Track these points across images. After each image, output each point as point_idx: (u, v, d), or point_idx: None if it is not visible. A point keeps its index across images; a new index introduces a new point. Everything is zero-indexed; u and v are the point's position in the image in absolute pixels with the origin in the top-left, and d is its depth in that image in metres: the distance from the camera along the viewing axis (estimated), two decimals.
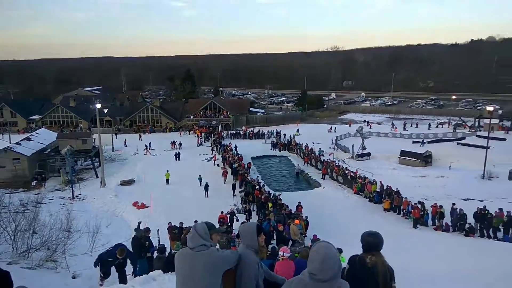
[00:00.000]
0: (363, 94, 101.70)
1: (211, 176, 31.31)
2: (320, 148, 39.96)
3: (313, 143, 42.28)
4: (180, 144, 43.88)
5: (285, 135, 48.06)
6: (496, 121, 45.78)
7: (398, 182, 27.66)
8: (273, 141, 45.31)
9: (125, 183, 31.26)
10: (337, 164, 33.24)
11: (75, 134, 43.08)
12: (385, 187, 25.51)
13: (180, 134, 53.44)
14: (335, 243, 3.59)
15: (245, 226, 3.38)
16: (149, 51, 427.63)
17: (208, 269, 2.92)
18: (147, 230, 12.12)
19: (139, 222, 17.22)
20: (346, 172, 30.28)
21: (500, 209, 18.55)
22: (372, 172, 31.74)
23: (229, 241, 13.91)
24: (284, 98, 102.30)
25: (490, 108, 38.72)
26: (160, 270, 8.38)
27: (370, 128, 54.00)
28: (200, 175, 30.25)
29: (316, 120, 67.97)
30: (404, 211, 22.61)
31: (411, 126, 56.21)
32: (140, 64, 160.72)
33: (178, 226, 15.93)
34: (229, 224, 19.22)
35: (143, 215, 23.35)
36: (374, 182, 26.81)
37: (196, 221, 14.87)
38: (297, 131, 51.42)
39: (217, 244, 3.29)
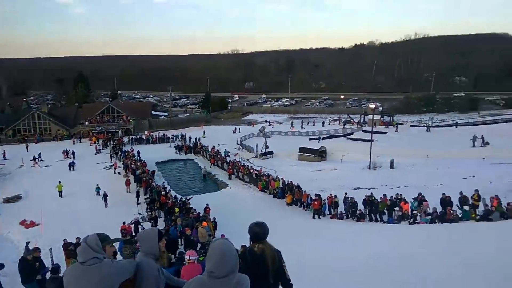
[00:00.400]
0: (264, 95, 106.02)
1: (112, 185, 29.44)
2: (225, 149, 40.61)
3: (218, 144, 42.75)
4: (74, 153, 40.08)
5: (190, 138, 47.62)
6: (378, 117, 52.01)
7: (298, 177, 29.54)
8: (178, 145, 44.58)
9: (9, 200, 27.55)
10: (242, 164, 34.16)
11: None
12: (286, 183, 27.03)
13: (74, 142, 49.21)
14: (243, 240, 3.81)
15: (145, 233, 3.30)
16: (34, 51, 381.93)
17: (102, 283, 2.73)
18: (36, 249, 10.95)
19: (27, 242, 15.49)
20: (251, 171, 31.31)
21: (384, 195, 21.15)
22: (275, 169, 33.36)
23: (133, 251, 13.26)
24: (188, 101, 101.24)
25: (372, 105, 43.87)
26: None
27: (273, 127, 56.64)
28: (97, 185, 28.21)
29: (220, 121, 68.77)
30: (305, 203, 24.29)
31: (308, 124, 60.51)
32: (22, 66, 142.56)
33: (74, 242, 14.70)
34: (133, 234, 18.36)
35: (33, 234, 20.88)
36: (277, 179, 28.24)
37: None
38: (204, 133, 51.45)
39: (111, 256, 3.15)
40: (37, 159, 38.70)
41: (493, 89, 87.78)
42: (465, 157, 33.33)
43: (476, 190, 18.63)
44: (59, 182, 28.67)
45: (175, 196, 25.63)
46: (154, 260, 3.15)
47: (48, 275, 9.94)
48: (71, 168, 35.91)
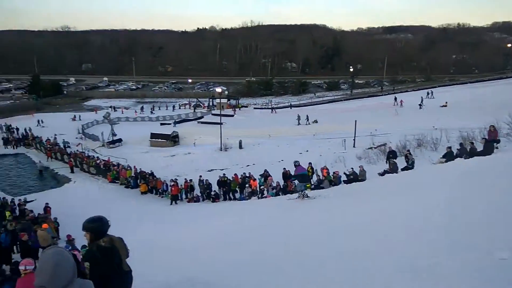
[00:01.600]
0: (105, 78, 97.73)
1: None
2: (64, 140, 36.25)
3: (55, 134, 37.79)
4: None
5: (17, 128, 40.56)
6: (225, 100, 54.49)
7: (152, 164, 28.93)
8: (4, 137, 37.53)
9: None
10: (87, 155, 31.22)
11: None
12: (139, 171, 26.07)
13: None
14: None
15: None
16: None
17: None
18: None
19: None
20: (98, 161, 28.97)
21: (235, 174, 22.63)
22: (126, 158, 31.68)
23: None
24: (11, 85, 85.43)
25: (219, 89, 45.66)
26: None
27: (122, 113, 53.23)
28: None
29: (55, 108, 60.76)
30: (160, 190, 23.98)
31: (159, 109, 59.12)
32: None
33: None
34: None
35: None
36: (129, 168, 26.95)
37: None
38: (41, 122, 44.77)
39: None
40: None
41: (317, 73, 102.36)
42: (296, 134, 38.35)
43: (310, 163, 21.70)
44: None
45: (4, 198, 21.76)
46: None
47: None
48: None
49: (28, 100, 64.36)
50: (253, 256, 7.29)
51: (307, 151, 31.21)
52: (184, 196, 22.92)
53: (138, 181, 25.26)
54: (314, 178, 20.03)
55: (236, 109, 54.75)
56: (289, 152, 31.32)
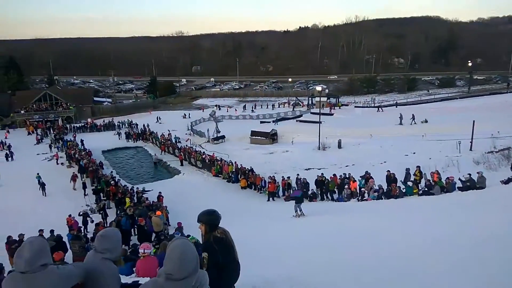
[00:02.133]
0: (212, 79, 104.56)
1: (53, 176, 27.73)
2: (175, 135, 39.69)
3: (168, 130, 41.66)
4: (10, 146, 36.27)
5: (137, 124, 45.85)
6: (324, 99, 53.55)
7: (252, 160, 29.79)
8: (126, 132, 42.80)
9: None
10: (194, 150, 33.66)
11: None
12: (239, 167, 27.12)
13: (7, 133, 45.34)
14: (197, 225, 3.81)
15: (107, 233, 2.99)
16: None
17: None
18: None
19: None
20: (204, 156, 30.97)
21: (334, 175, 22.00)
22: (228, 153, 33.30)
23: (83, 246, 12.61)
24: (133, 86, 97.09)
25: (319, 88, 44.92)
26: None
27: (227, 111, 56.34)
28: (38, 173, 26.06)
29: (169, 107, 66.91)
30: (259, 186, 24.59)
31: (261, 107, 60.98)
32: None
33: (17, 239, 13.67)
34: (82, 227, 17.51)
35: None
36: (231, 163, 28.24)
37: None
38: (159, 119, 49.90)
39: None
40: None
41: (428, 69, 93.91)
42: (401, 134, 35.63)
43: (418, 166, 19.94)
44: None
45: (125, 186, 24.71)
46: (113, 263, 2.92)
47: None
48: (8, 158, 33.47)
49: (146, 99, 72.17)
50: (353, 262, 6.89)
51: (414, 153, 28.80)
52: (281, 194, 23.11)
53: (239, 176, 26.26)
54: (423, 182, 18.33)
55: (336, 107, 53.39)
56: (393, 153, 29.35)
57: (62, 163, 31.71)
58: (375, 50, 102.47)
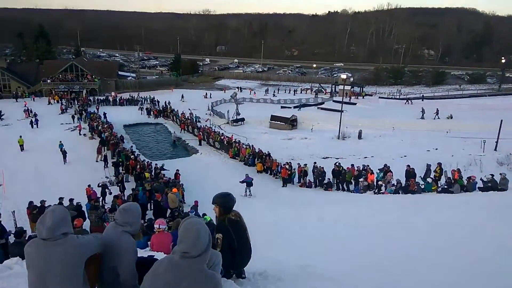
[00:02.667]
0: (236, 60, 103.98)
1: (76, 146, 28.65)
2: (195, 114, 39.93)
3: (189, 109, 41.93)
4: (36, 114, 37.10)
5: (158, 101, 46.27)
6: (348, 87, 52.54)
7: (269, 144, 29.77)
8: (148, 108, 43.30)
9: None
10: (213, 130, 33.84)
11: None
12: (257, 151, 27.12)
13: (33, 99, 46.93)
14: (212, 205, 3.86)
15: (129, 207, 3.06)
16: None
17: (67, 260, 2.55)
18: None
19: None
20: (222, 137, 31.11)
21: (352, 165, 21.72)
22: (246, 136, 33.34)
23: (100, 216, 12.98)
24: (157, 62, 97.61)
25: (343, 76, 44.09)
26: (18, 257, 7.32)
27: (250, 94, 56.17)
28: (61, 141, 27.01)
29: (191, 85, 67.12)
30: (274, 171, 24.59)
31: (285, 92, 60.52)
32: None
33: (39, 205, 14.19)
34: (100, 197, 18.01)
35: None
36: (248, 146, 28.28)
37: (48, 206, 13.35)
38: (182, 97, 50.31)
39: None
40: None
41: (459, 63, 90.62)
42: (425, 129, 34.80)
43: (439, 163, 19.47)
44: (20, 136, 28.13)
45: (144, 160, 25.15)
46: (132, 236, 3.01)
47: (12, 238, 9.60)
48: (33, 125, 34.64)
49: (169, 77, 72.54)
50: (367, 254, 6.84)
51: (436, 149, 28.16)
52: (296, 180, 23.07)
53: (256, 159, 26.29)
54: (443, 180, 17.92)
55: (359, 97, 52.43)
56: (414, 148, 28.84)
57: (84, 134, 32.48)
58: (405, 40, 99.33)
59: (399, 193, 17.52)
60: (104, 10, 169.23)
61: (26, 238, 8.87)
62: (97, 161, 26.07)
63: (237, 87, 62.49)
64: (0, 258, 8.52)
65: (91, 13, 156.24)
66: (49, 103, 45.78)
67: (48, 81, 51.12)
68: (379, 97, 54.25)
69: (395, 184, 18.34)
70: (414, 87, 68.53)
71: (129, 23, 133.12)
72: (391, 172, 19.80)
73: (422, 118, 39.37)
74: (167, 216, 15.07)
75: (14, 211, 14.77)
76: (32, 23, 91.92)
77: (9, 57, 74.94)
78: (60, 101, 45.52)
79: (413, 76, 74.20)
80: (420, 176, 19.14)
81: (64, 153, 25.69)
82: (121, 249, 2.89)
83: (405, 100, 50.67)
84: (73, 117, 38.14)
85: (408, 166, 19.56)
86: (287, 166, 22.84)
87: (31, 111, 38.38)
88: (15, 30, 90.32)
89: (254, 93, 58.10)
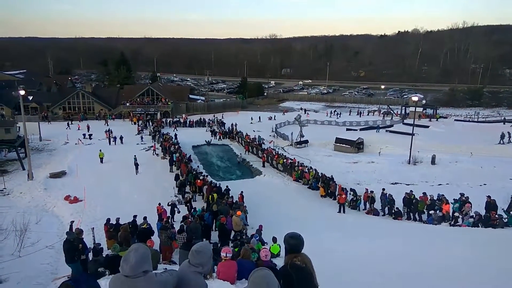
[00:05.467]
0: (300, 82, 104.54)
1: (149, 163, 30.78)
2: (259, 136, 40.54)
3: (253, 131, 42.77)
4: (116, 137, 40.25)
5: (224, 123, 47.84)
6: (420, 109, 49.92)
7: (334, 168, 29.17)
8: (214, 130, 45.03)
9: (55, 175, 29.10)
10: (277, 152, 34.04)
11: None
12: (320, 174, 26.60)
13: (113, 118, 52.57)
14: (274, 230, 3.83)
15: (201, 248, 3.21)
16: (77, 32, 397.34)
17: None
18: (80, 231, 11.45)
19: (71, 222, 16.24)
20: (285, 160, 31.11)
21: (424, 193, 20.38)
22: (310, 159, 33.02)
23: (169, 236, 13.55)
24: (225, 85, 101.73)
25: (415, 98, 42.02)
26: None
27: (307, 116, 55.87)
28: (135, 155, 30.73)
29: (256, 108, 68.65)
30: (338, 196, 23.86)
31: (350, 114, 59.26)
32: (67, 46, 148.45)
33: (114, 223, 15.28)
34: (170, 216, 18.88)
35: (77, 210, 22.09)
36: (312, 169, 27.93)
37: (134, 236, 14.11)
38: (252, 119, 51.95)
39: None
40: (85, 137, 41.12)
41: None
42: (509, 156, 31.57)
43: None
44: (100, 150, 32.97)
45: (211, 181, 25.95)
46: (202, 276, 3.17)
47: (90, 255, 10.40)
48: (112, 143, 39.21)
49: (236, 99, 75.01)
50: None
51: None
52: (362, 207, 22.18)
53: (319, 183, 25.84)
54: None
55: (432, 119, 49.48)
56: (496, 176, 26.31)
57: (157, 154, 34.63)
58: (483, 59, 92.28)
59: (478, 226, 15.99)
60: (178, 38, 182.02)
61: (104, 256, 9.57)
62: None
63: (301, 109, 62.47)
64: (80, 274, 9.33)
65: (167, 40, 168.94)
66: (133, 122, 50.27)
67: (127, 104, 55.72)
68: (455, 120, 50.66)
69: (474, 216, 16.80)
70: (494, 109, 62.99)
71: (201, 49, 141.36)
72: (470, 203, 18.22)
73: (500, 143, 35.80)
74: (231, 238, 15.38)
75: (93, 228, 16.06)
76: (115, 51, 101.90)
77: (94, 82, 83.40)
78: (137, 123, 49.22)
79: (493, 97, 68.36)
80: (502, 209, 17.35)
81: (136, 166, 29.37)
82: None
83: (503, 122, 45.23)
84: (147, 136, 41.28)
85: (489, 196, 17.89)
86: (351, 192, 22.12)
87: (111, 132, 41.99)
88: (100, 57, 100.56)
89: (307, 114, 57.35)
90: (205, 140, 40.03)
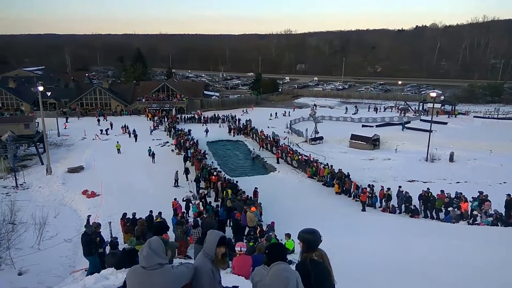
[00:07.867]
0: (315, 78, 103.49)
1: (164, 158, 31.24)
2: (273, 132, 40.38)
3: (268, 127, 42.64)
4: (132, 131, 41.05)
5: (239, 119, 47.84)
6: (438, 105, 48.82)
7: (349, 165, 28.83)
8: (229, 126, 45.09)
9: (73, 170, 29.69)
10: (291, 149, 33.88)
11: (16, 118, 39.86)
12: (336, 171, 26.37)
13: (130, 114, 54.21)
14: (288, 226, 3.80)
15: (209, 234, 3.33)
16: (94, 28, 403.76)
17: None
18: (98, 225, 11.64)
19: (89, 216, 16.54)
20: (300, 156, 30.95)
21: (442, 191, 19.97)
22: (325, 155, 32.76)
23: (185, 231, 13.65)
24: (239, 81, 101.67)
25: (433, 93, 41.09)
26: (113, 268, 7.98)
27: (315, 110, 54.84)
28: (150, 147, 32.94)
29: (271, 104, 68.34)
30: (353, 193, 23.65)
31: (368, 110, 58.36)
32: (84, 42, 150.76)
33: (131, 217, 15.49)
34: (185, 212, 19.04)
35: (94, 204, 22.53)
36: (327, 166, 27.70)
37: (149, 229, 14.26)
38: (271, 115, 51.93)
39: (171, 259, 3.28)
40: (105, 132, 42.04)
41: None
42: None
43: None
44: (117, 142, 35.52)
45: (225, 177, 26.03)
46: (210, 261, 3.22)
47: (107, 248, 10.56)
48: (129, 135, 40.48)
49: (250, 95, 74.86)
50: None
51: None
52: (378, 204, 21.91)
53: (334, 180, 25.62)
54: None
55: (451, 116, 48.43)
56: None
57: (172, 150, 34.93)
58: (504, 54, 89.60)
59: (497, 225, 15.60)
60: (193, 34, 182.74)
61: (121, 250, 9.67)
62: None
63: (314, 105, 61.68)
64: (98, 266, 9.46)
65: (182, 37, 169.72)
66: (148, 118, 50.74)
67: (143, 100, 56.29)
68: (474, 116, 49.43)
69: (493, 214, 16.40)
70: None
71: (216, 45, 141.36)
72: (489, 201, 17.79)
73: None
74: (245, 234, 15.39)
75: (110, 222, 16.33)
76: (131, 48, 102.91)
77: (110, 78, 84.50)
78: (152, 119, 49.65)
79: None
80: None
81: (152, 155, 31.58)
82: (198, 272, 3.15)
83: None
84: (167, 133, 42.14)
85: (509, 195, 17.44)
86: (368, 189, 21.85)
87: (127, 127, 42.52)
88: (117, 54, 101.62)
89: (315, 107, 56.40)
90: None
